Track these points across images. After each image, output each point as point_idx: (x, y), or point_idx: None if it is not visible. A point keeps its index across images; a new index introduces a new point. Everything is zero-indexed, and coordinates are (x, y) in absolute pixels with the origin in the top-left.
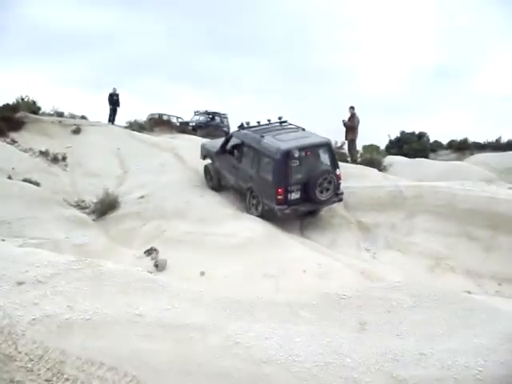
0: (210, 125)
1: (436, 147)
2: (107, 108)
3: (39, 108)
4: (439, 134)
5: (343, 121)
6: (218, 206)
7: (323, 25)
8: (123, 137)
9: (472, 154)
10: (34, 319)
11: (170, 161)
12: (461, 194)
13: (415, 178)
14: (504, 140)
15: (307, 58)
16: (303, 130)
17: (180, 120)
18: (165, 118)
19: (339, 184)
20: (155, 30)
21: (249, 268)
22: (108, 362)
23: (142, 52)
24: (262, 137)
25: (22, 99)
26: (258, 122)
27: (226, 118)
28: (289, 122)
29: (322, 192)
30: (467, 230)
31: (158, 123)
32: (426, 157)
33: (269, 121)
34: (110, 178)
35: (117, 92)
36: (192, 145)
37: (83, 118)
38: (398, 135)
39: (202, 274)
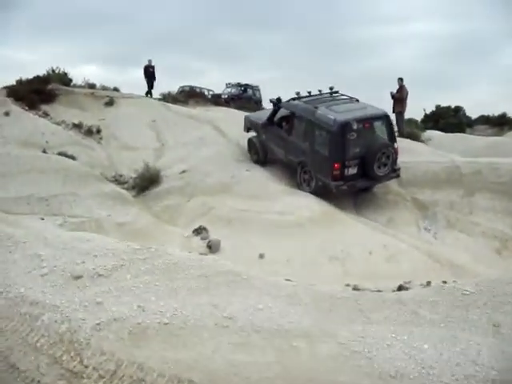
0: (242, 97)
1: (472, 122)
2: (142, 81)
3: (70, 80)
4: (469, 108)
5: (391, 92)
6: (266, 182)
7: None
8: (158, 109)
9: (510, 130)
10: (98, 323)
11: (209, 134)
12: None
13: (457, 153)
14: None
15: (334, 32)
16: (357, 100)
17: (211, 92)
18: (196, 90)
19: (396, 159)
20: (178, 2)
21: (310, 250)
22: (198, 379)
23: (165, 26)
24: (316, 108)
25: (53, 71)
26: (309, 93)
27: (259, 90)
28: (340, 92)
29: (379, 167)
30: None
31: (192, 95)
32: (463, 131)
33: (320, 91)
34: (147, 152)
35: (152, 64)
36: (230, 117)
37: (115, 90)
38: (434, 109)
39: (261, 256)
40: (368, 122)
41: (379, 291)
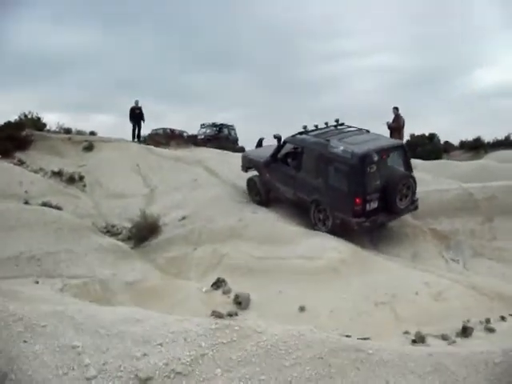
0: (218, 137)
1: (447, 148)
2: (127, 125)
3: (45, 125)
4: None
5: (387, 123)
6: (278, 223)
7: (304, 37)
8: (141, 152)
9: (486, 153)
10: None
11: (201, 176)
12: None
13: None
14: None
15: (294, 69)
16: (367, 131)
17: (185, 134)
18: (175, 132)
19: (416, 190)
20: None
21: (352, 296)
22: None
23: (126, 71)
24: (328, 141)
25: (25, 116)
26: (316, 126)
27: (234, 129)
28: (346, 124)
29: (401, 199)
30: None
31: (173, 137)
32: (440, 158)
33: (326, 124)
34: (136, 198)
35: (139, 105)
36: (219, 157)
37: (92, 134)
38: (408, 138)
39: (302, 309)
40: (385, 152)
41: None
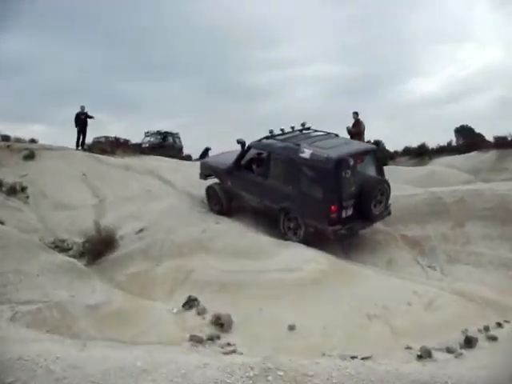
0: (164, 145)
1: (393, 154)
2: (64, 134)
3: None
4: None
5: (347, 127)
6: (248, 234)
7: (239, 45)
8: (86, 160)
9: (430, 159)
10: None
11: (155, 185)
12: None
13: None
14: (453, 143)
15: (232, 77)
16: (336, 135)
17: (129, 142)
18: (120, 140)
19: (389, 195)
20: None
21: (342, 310)
22: None
23: (59, 78)
24: (298, 145)
25: None
26: (282, 130)
27: (179, 137)
28: (312, 128)
29: (375, 206)
30: None
31: (118, 145)
32: (386, 164)
33: (292, 128)
34: (85, 210)
35: (85, 110)
36: (170, 165)
37: (33, 141)
38: None
39: (291, 328)
40: (359, 157)
41: None
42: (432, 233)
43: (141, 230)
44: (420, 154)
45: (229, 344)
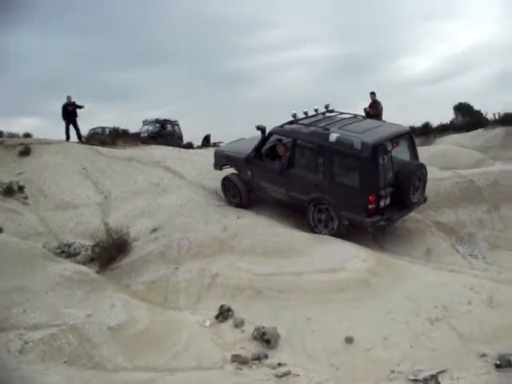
0: (163, 134)
1: None
2: (57, 126)
3: None
4: None
5: (365, 109)
6: (274, 229)
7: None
8: (86, 154)
9: (435, 138)
10: None
11: (163, 177)
12: None
13: None
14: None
15: (219, 62)
16: (364, 117)
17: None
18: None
19: (426, 181)
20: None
21: (399, 315)
22: None
23: (50, 70)
24: (328, 130)
25: None
26: (305, 113)
27: (178, 124)
28: (336, 110)
29: (413, 193)
30: None
31: (119, 135)
32: None
33: (316, 110)
34: (90, 208)
35: (72, 100)
36: (176, 155)
37: (27, 136)
38: None
39: (349, 340)
40: (396, 141)
41: None
42: (467, 218)
43: (155, 230)
44: (425, 134)
45: (279, 364)
